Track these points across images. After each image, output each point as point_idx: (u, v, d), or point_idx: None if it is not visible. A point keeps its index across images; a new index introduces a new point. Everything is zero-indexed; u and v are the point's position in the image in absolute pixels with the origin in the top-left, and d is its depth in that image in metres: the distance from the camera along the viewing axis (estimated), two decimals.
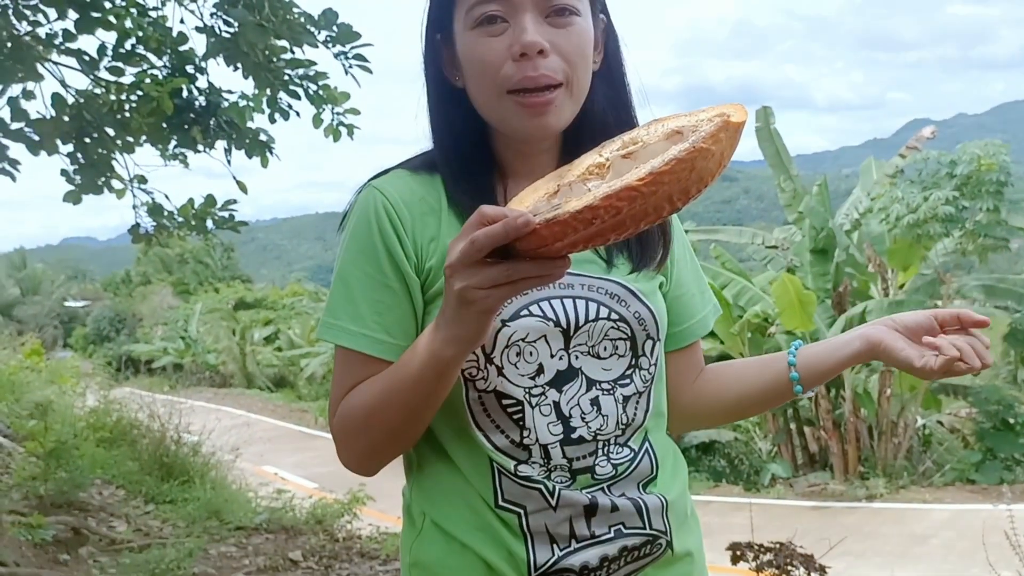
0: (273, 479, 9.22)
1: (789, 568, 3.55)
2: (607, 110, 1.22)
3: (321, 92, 4.24)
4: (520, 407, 1.13)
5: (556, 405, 1.14)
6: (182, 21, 4.19)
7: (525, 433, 1.13)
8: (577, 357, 1.16)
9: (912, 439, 13.34)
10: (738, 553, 3.78)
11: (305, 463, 14.30)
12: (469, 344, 0.99)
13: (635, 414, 1.21)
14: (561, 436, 1.14)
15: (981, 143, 10.61)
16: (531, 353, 1.14)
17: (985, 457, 12.39)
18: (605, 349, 1.18)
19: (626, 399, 1.19)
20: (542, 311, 1.14)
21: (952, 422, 15.05)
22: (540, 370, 1.14)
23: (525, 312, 1.13)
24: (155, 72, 4.33)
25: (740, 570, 3.77)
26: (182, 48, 4.25)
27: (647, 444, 1.23)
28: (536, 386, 1.14)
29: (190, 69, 4.25)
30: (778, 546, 3.68)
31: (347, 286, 1.14)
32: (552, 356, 1.15)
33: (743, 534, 4.01)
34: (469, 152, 1.19)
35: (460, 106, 1.18)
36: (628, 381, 1.20)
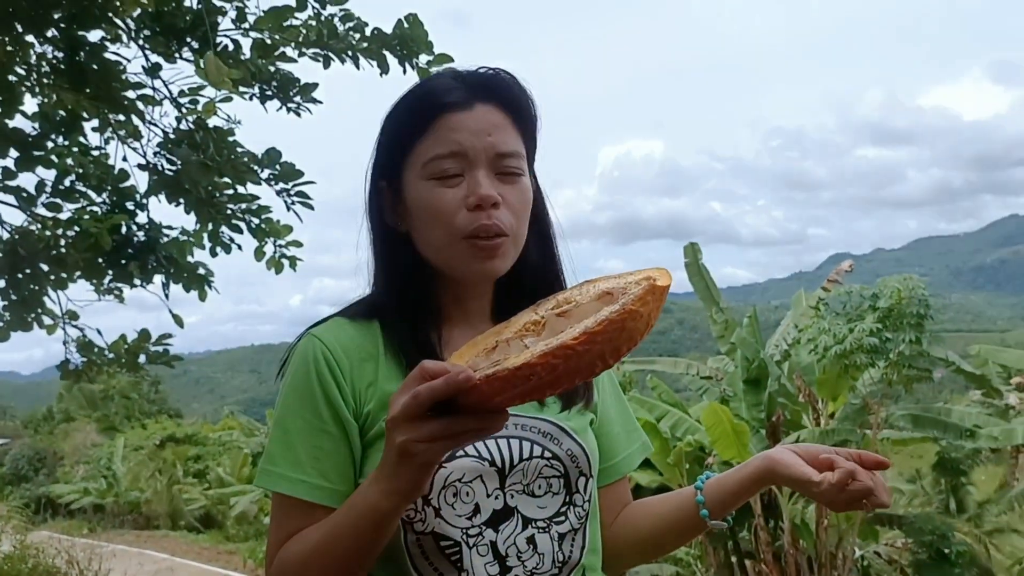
0: None
1: None
2: (538, 261, 1.32)
3: (264, 225, 4.30)
4: (458, 548, 1.15)
5: (493, 545, 1.16)
6: (124, 159, 4.23)
7: (463, 575, 1.15)
8: (512, 496, 1.20)
9: (851, 571, 13.28)
10: None
11: None
12: (408, 497, 1.00)
13: (571, 552, 1.23)
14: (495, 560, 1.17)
15: (900, 278, 11.11)
16: (467, 493, 1.17)
17: None
18: (540, 487, 1.21)
19: (561, 536, 1.22)
20: (477, 451, 1.18)
21: (889, 552, 15.08)
22: (476, 510, 1.16)
23: (461, 452, 1.16)
24: (94, 208, 4.34)
25: None
26: (123, 185, 4.28)
27: None
28: (473, 526, 1.16)
29: (130, 205, 4.27)
30: None
31: (286, 433, 1.15)
32: (488, 496, 1.18)
33: None
34: (411, 296, 1.25)
35: (403, 250, 1.26)
36: (563, 519, 1.22)
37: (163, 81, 4.01)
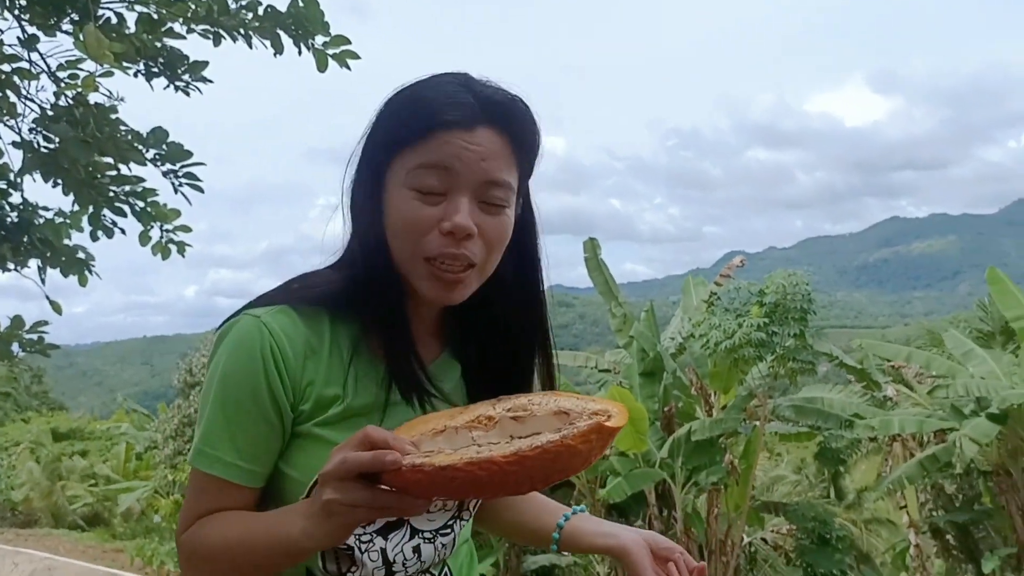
0: None
1: None
2: (513, 286, 1.29)
3: (149, 209, 4.12)
4: (351, 550, 1.19)
5: (383, 551, 1.21)
6: None
7: (353, 569, 1.20)
8: (459, 515, 1.29)
9: (739, 556, 13.76)
10: None
11: None
12: (325, 544, 1.04)
13: (447, 552, 1.29)
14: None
15: (785, 273, 11.54)
16: (415, 537, 1.23)
17: (806, 573, 12.91)
18: (434, 505, 1.24)
19: (444, 545, 1.28)
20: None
21: (775, 539, 15.69)
22: (372, 521, 1.17)
23: None
24: None
25: None
26: None
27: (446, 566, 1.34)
28: (365, 533, 1.19)
29: (2, 184, 4.04)
30: None
31: (226, 417, 1.14)
32: (435, 533, 1.26)
33: None
34: (373, 300, 1.21)
35: (378, 222, 1.21)
36: (449, 531, 1.28)
37: (40, 54, 3.81)
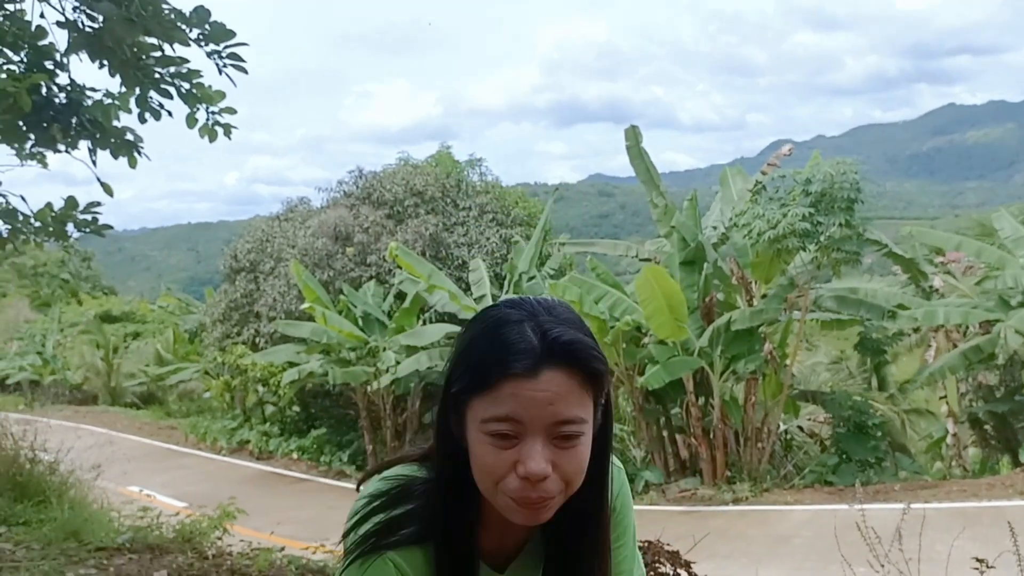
0: (139, 498, 8.82)
1: (657, 564, 3.67)
2: (587, 491, 1.35)
3: (195, 91, 4.12)
4: None
5: None
6: (42, 15, 3.97)
7: None
8: None
9: (775, 444, 13.99)
10: None
11: (174, 482, 13.78)
12: None
13: None
14: None
15: (832, 162, 11.28)
16: None
17: (841, 460, 13.11)
18: None
19: None
20: None
21: (811, 427, 15.89)
22: None
23: None
24: (11, 68, 4.11)
25: None
26: (41, 43, 4.05)
27: None
28: None
29: (49, 65, 4.05)
30: (646, 544, 3.80)
31: None
32: None
33: None
34: (471, 510, 1.35)
35: (464, 466, 1.31)
36: None
37: None
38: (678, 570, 3.69)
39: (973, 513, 9.36)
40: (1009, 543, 3.73)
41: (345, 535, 1.38)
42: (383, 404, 16.32)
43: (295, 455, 17.77)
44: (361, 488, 1.42)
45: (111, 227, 4.24)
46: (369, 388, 16.00)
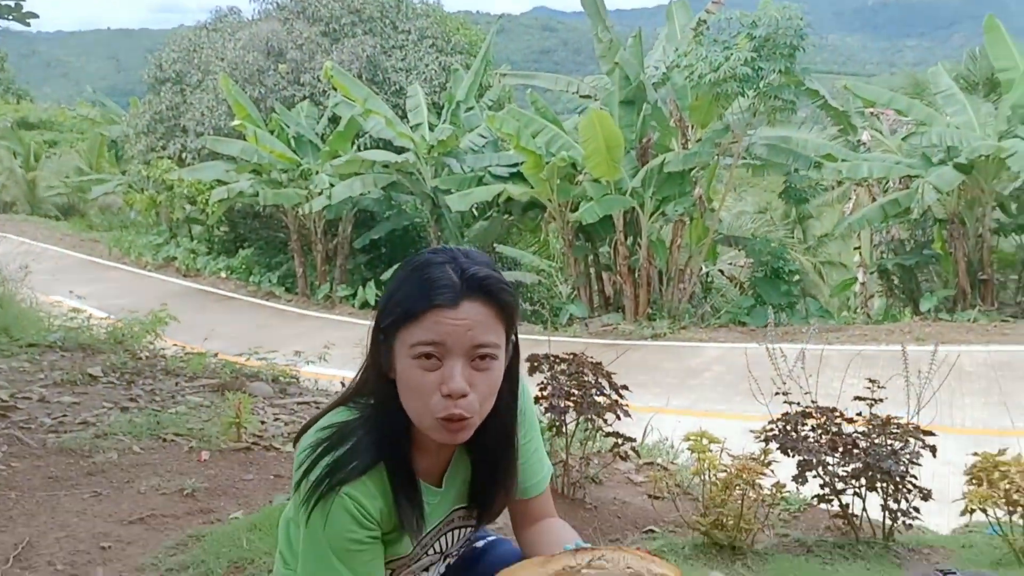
0: (66, 306, 8.78)
1: (581, 374, 3.91)
2: (501, 410, 1.58)
3: None
4: None
5: None
6: None
7: None
8: (445, 558, 1.74)
9: (696, 285, 14.52)
10: (535, 364, 4.11)
11: (99, 294, 13.66)
12: None
13: None
14: None
15: (779, 7, 11.17)
16: (424, 570, 1.70)
17: (756, 303, 13.73)
18: (461, 541, 1.75)
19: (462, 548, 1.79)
20: (434, 549, 1.68)
21: (731, 271, 16.49)
22: (423, 573, 1.70)
23: (424, 553, 1.66)
24: None
25: None
26: None
27: None
28: None
29: None
30: (571, 356, 4.02)
31: (347, 564, 1.51)
32: (432, 565, 1.72)
33: None
34: (401, 444, 1.55)
35: (394, 398, 1.50)
36: (467, 542, 1.78)
37: None
38: (599, 379, 3.93)
39: (871, 355, 10.03)
40: (901, 382, 4.06)
41: (296, 485, 1.53)
42: (314, 228, 16.26)
43: (223, 274, 17.72)
44: (299, 443, 1.58)
45: (36, 15, 4.01)
46: (301, 211, 15.87)
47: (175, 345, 6.29)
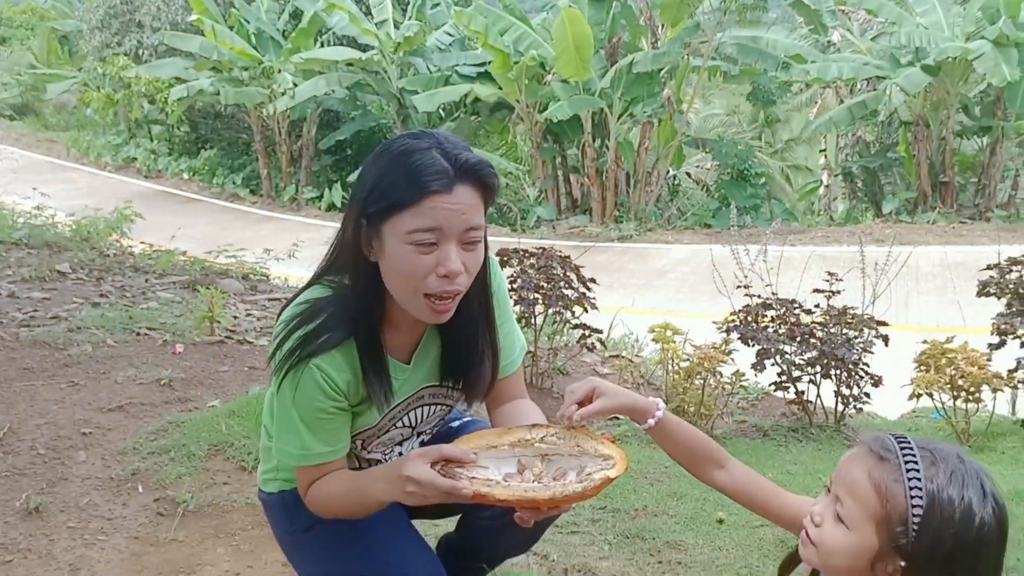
0: (27, 207, 8.63)
1: (550, 267, 3.99)
2: (476, 291, 1.64)
3: None
4: (380, 460, 1.82)
5: (400, 454, 1.82)
6: None
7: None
8: (418, 435, 1.83)
9: (662, 188, 14.59)
10: (505, 258, 4.18)
11: (59, 195, 13.35)
12: (396, 501, 1.58)
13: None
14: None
15: None
16: (396, 444, 1.80)
17: (722, 205, 13.86)
18: (433, 420, 1.83)
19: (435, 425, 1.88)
20: (403, 423, 1.75)
21: (698, 174, 16.57)
22: (396, 446, 1.81)
23: (393, 426, 1.73)
24: None
25: None
26: None
27: None
28: (391, 450, 1.81)
29: None
30: (541, 250, 4.10)
31: (310, 429, 1.61)
32: (405, 439, 1.81)
33: None
34: (374, 317, 1.60)
35: (372, 277, 1.55)
36: (441, 420, 1.88)
37: None
38: (567, 272, 4.02)
39: (832, 256, 10.26)
40: (859, 280, 4.20)
41: (271, 356, 1.61)
42: (278, 129, 15.95)
43: (185, 176, 17.42)
44: (280, 316, 1.64)
45: None
46: (263, 111, 15.54)
47: (142, 244, 6.25)
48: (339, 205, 15.12)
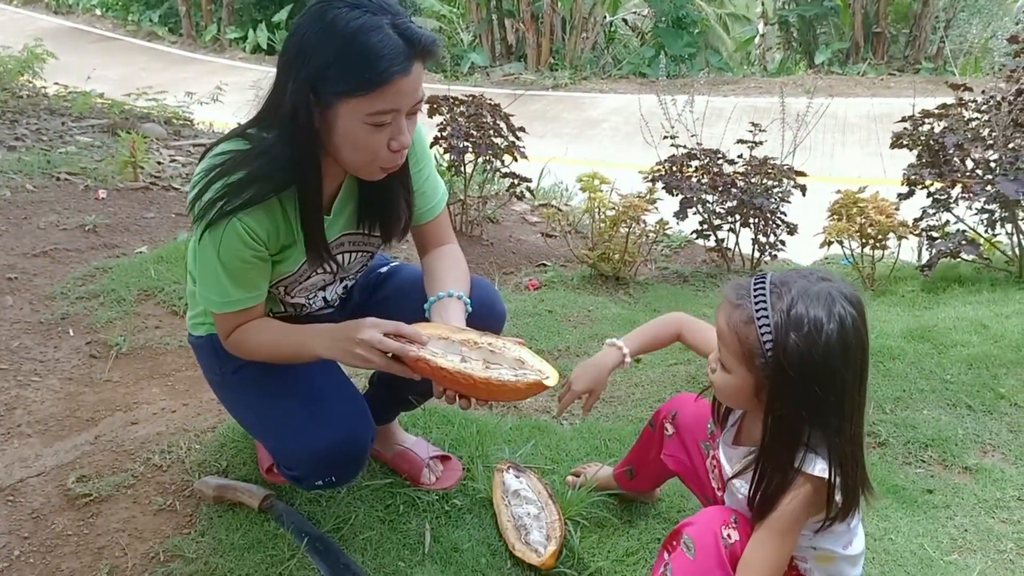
0: None
1: (479, 115, 3.98)
2: None
3: None
4: (304, 304, 1.90)
5: (324, 298, 1.91)
6: None
7: (303, 309, 1.92)
8: (340, 280, 1.90)
9: (598, 35, 14.31)
10: (435, 106, 4.14)
11: None
12: (332, 357, 1.65)
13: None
14: (322, 304, 1.93)
15: None
16: (319, 289, 1.86)
17: (658, 53, 13.69)
18: (355, 267, 1.90)
19: (357, 272, 1.95)
20: (324, 269, 1.79)
21: (634, 21, 16.24)
22: (319, 291, 1.88)
23: (315, 272, 1.78)
24: None
25: None
26: None
27: None
28: (313, 295, 1.87)
29: None
30: (471, 98, 4.07)
31: (232, 279, 1.64)
32: (328, 284, 1.87)
33: None
34: (308, 178, 1.61)
35: (313, 143, 1.56)
36: (362, 266, 1.93)
37: None
38: (497, 121, 4.02)
39: (763, 107, 10.34)
40: (801, 133, 4.27)
41: (191, 206, 1.61)
42: None
43: (98, 11, 16.41)
44: (199, 166, 1.64)
45: None
46: None
47: (56, 85, 5.96)
48: (265, 48, 14.49)
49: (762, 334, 1.33)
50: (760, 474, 1.41)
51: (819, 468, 1.35)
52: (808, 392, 1.31)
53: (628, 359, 1.83)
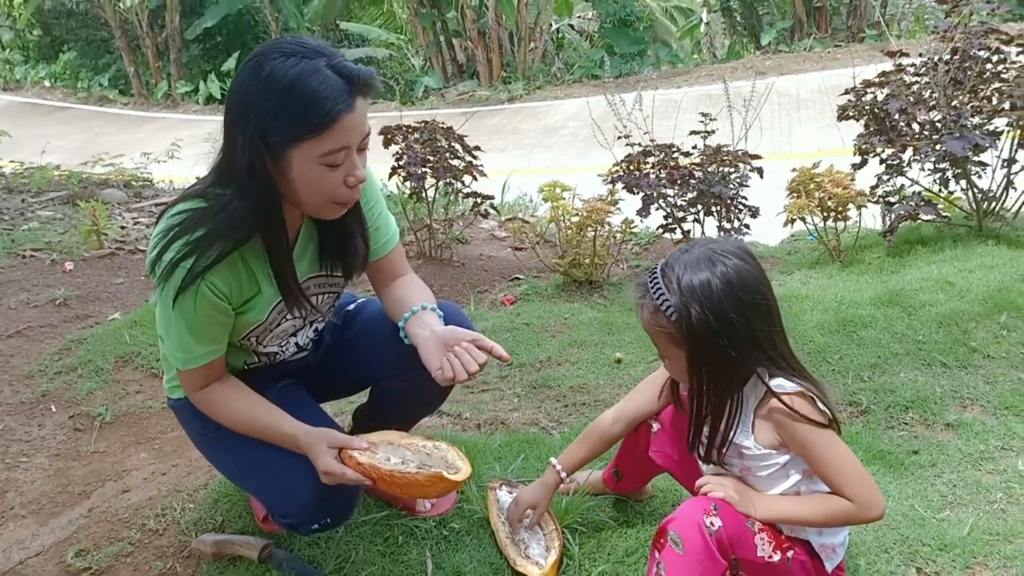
0: None
1: (434, 140, 4.01)
2: None
3: None
4: (277, 352, 1.94)
5: (296, 343, 1.95)
6: None
7: (276, 356, 1.95)
8: (310, 324, 1.93)
9: (547, 43, 14.42)
10: (389, 136, 4.18)
11: None
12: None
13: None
14: (295, 349, 1.97)
15: None
16: (290, 335, 1.90)
17: (607, 54, 13.81)
18: (326, 307, 1.93)
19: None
20: (296, 314, 1.82)
21: (581, 25, 16.39)
22: (291, 337, 1.91)
23: (283, 319, 1.82)
24: None
25: None
26: None
27: None
28: (285, 342, 1.91)
29: None
30: (423, 123, 4.10)
31: (194, 335, 1.69)
32: (299, 330, 1.91)
33: None
34: (268, 228, 1.64)
35: (270, 195, 1.59)
36: (331, 308, 1.96)
37: None
38: (452, 143, 4.06)
39: (717, 95, 10.44)
40: (750, 116, 4.32)
41: (151, 267, 1.64)
42: (138, 21, 15.01)
43: (47, 83, 16.37)
44: (156, 227, 1.67)
45: None
46: (119, 4, 14.56)
47: (12, 162, 5.95)
48: (218, 97, 14.50)
49: (669, 316, 1.49)
50: (704, 413, 1.57)
51: (790, 386, 1.52)
52: (726, 335, 1.47)
53: (564, 475, 1.97)
